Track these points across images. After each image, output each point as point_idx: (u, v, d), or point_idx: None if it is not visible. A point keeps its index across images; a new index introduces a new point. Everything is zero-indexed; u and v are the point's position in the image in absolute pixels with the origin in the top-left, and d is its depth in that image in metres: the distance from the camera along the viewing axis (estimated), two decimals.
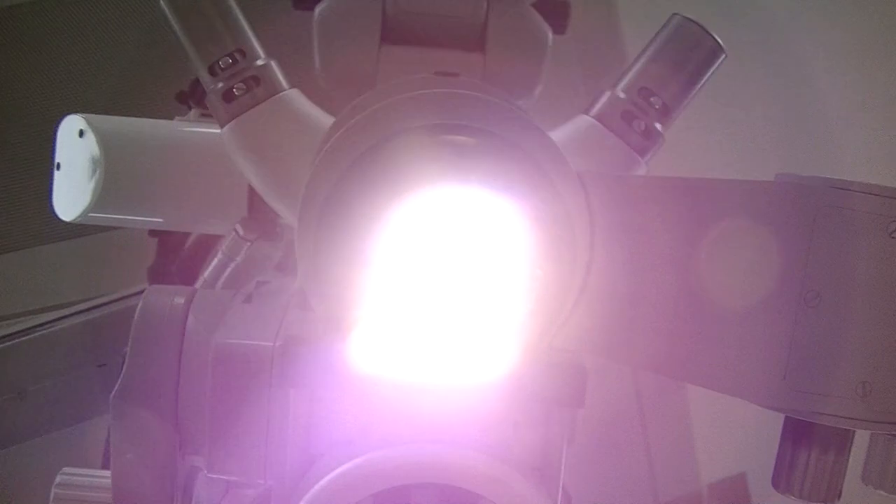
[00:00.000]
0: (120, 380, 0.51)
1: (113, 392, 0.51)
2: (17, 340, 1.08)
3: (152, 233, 0.94)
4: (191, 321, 0.51)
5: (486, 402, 0.46)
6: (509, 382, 0.45)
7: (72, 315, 1.08)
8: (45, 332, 1.08)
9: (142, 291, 0.54)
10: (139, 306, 0.51)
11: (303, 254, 0.45)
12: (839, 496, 0.50)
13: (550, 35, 0.62)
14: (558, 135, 0.60)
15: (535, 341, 0.45)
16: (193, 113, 0.90)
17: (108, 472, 0.53)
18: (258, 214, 0.77)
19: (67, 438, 1.07)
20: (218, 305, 0.52)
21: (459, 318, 0.45)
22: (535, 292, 0.45)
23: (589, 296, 0.47)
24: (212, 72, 0.58)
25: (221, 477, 0.53)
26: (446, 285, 0.45)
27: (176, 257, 0.94)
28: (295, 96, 0.59)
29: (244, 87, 0.58)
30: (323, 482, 0.43)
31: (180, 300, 0.52)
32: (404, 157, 0.43)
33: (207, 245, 0.89)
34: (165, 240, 0.95)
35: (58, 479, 0.57)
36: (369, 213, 0.43)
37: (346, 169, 0.44)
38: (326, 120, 0.59)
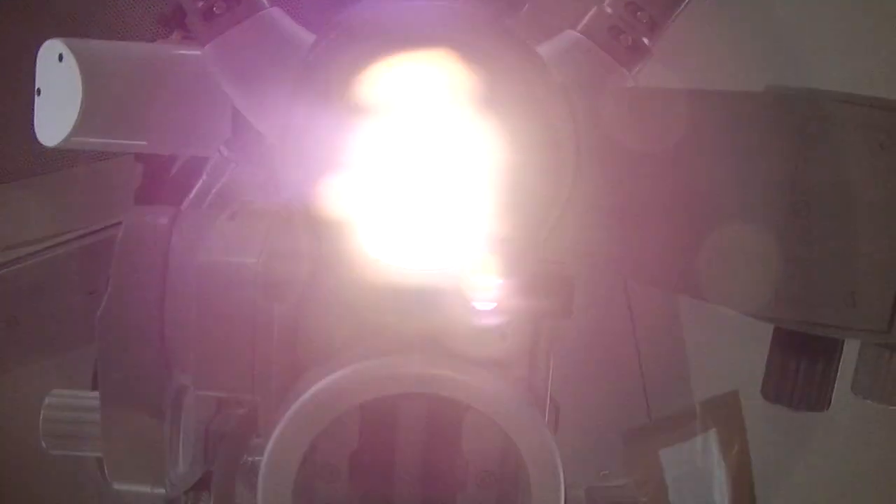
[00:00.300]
0: (105, 301, 0.51)
1: (98, 313, 0.51)
2: (8, 269, 1.08)
3: (138, 157, 0.93)
4: (174, 240, 0.51)
5: (472, 312, 0.45)
6: (496, 293, 0.45)
7: (62, 244, 1.08)
8: (35, 260, 1.08)
9: None
10: (122, 227, 0.51)
11: (283, 166, 0.45)
12: (828, 405, 0.50)
13: None
14: (544, 49, 0.60)
15: (522, 252, 0.45)
16: (175, 36, 0.88)
17: (96, 394, 0.53)
18: (242, 135, 0.76)
19: (58, 366, 1.07)
20: (202, 224, 0.52)
21: (445, 226, 0.44)
22: (520, 204, 0.44)
23: (577, 207, 0.47)
24: None
25: (209, 393, 0.53)
26: (430, 193, 0.44)
27: (163, 183, 0.93)
28: (276, 14, 0.59)
29: (224, 4, 0.57)
30: (308, 394, 0.43)
31: (164, 220, 0.51)
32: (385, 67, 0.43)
33: (194, 170, 0.88)
34: (151, 165, 0.94)
35: (46, 400, 0.57)
36: (349, 106, 0.43)
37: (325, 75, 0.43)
38: (308, 37, 0.58)
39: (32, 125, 0.81)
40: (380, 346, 0.44)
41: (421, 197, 0.44)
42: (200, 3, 0.57)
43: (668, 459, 1.82)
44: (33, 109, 0.81)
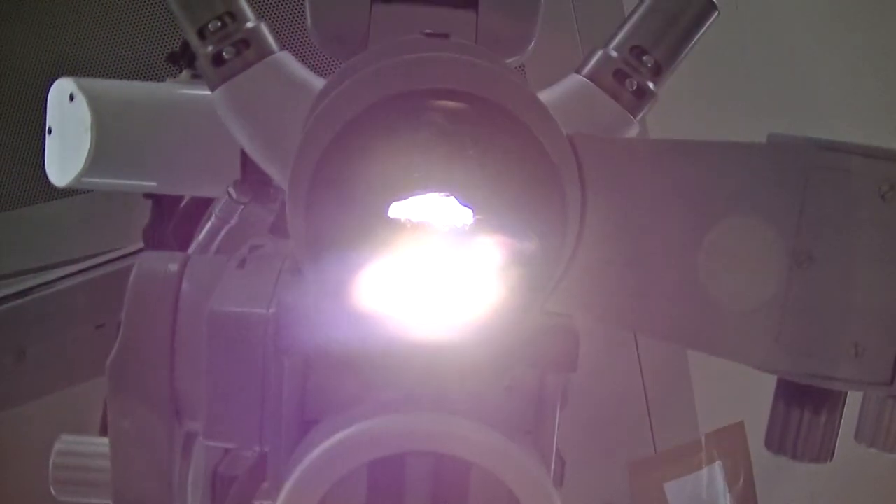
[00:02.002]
0: (115, 348, 0.51)
1: (108, 361, 0.51)
2: (15, 302, 1.08)
3: (147, 194, 0.94)
4: (185, 288, 0.51)
5: (478, 367, 0.46)
6: (502, 347, 0.45)
7: (69, 276, 1.08)
8: (43, 292, 1.08)
9: (138, 251, 0.54)
10: (133, 274, 0.51)
11: (294, 217, 0.45)
12: (832, 456, 0.50)
13: None
14: (549, 95, 0.60)
15: (528, 305, 0.45)
16: (185, 75, 0.89)
17: (106, 440, 0.53)
18: (251, 177, 0.77)
19: (65, 400, 1.08)
20: (212, 271, 0.52)
21: (451, 281, 0.45)
22: (526, 256, 0.45)
23: (582, 259, 0.47)
24: (201, 35, 0.57)
25: (217, 444, 0.53)
26: (438, 248, 0.45)
27: (171, 218, 0.94)
28: (285, 58, 0.59)
29: (234, 50, 0.57)
30: (316, 452, 0.43)
31: (174, 267, 0.52)
32: (393, 125, 0.43)
33: (203, 205, 0.89)
34: (160, 200, 0.95)
35: (56, 446, 0.57)
36: (361, 177, 0.43)
37: (337, 134, 0.44)
38: (317, 82, 0.59)
39: (36, 153, 0.82)
40: (387, 403, 0.45)
41: (426, 260, 0.45)
42: (210, 48, 0.57)
43: (674, 492, 1.82)
44: (42, 143, 0.82)
